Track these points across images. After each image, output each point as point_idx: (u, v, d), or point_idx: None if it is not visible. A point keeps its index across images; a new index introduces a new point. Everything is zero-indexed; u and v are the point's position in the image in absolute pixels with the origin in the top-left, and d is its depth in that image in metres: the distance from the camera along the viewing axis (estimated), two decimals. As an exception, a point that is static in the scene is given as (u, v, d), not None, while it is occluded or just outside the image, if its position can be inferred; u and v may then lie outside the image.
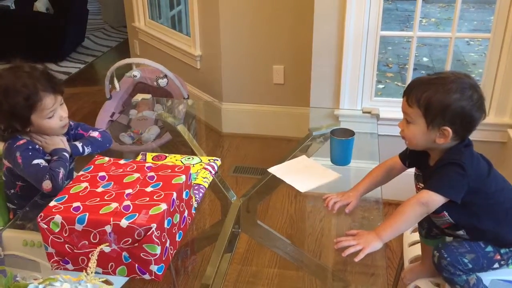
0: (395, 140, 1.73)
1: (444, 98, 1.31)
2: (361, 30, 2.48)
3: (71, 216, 1.15)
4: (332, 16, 2.49)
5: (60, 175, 1.53)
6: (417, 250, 1.72)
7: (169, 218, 1.21)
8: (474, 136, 1.39)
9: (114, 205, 1.18)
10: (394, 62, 5.33)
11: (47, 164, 1.56)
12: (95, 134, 1.76)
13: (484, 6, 7.07)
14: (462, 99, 1.31)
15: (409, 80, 2.62)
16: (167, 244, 1.20)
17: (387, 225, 1.36)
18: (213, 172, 1.72)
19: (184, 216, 1.33)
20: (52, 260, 1.21)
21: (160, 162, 1.68)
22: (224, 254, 1.48)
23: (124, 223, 1.13)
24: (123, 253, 1.16)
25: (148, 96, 2.47)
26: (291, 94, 3.25)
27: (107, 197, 1.22)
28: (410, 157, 1.53)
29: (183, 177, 1.30)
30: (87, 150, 1.69)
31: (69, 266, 1.20)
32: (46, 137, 1.61)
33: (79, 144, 1.68)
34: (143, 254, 1.15)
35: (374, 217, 1.55)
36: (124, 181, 1.29)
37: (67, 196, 1.23)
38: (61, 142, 1.63)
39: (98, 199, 1.21)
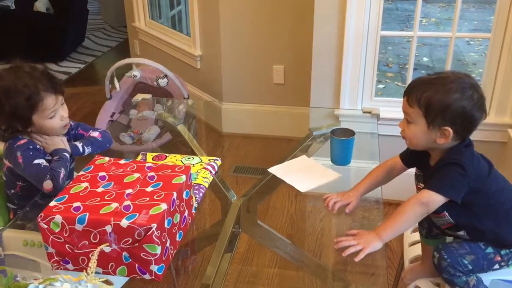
0: (395, 140, 1.73)
1: (444, 98, 1.31)
2: (361, 30, 2.48)
3: (71, 216, 1.15)
4: (332, 16, 2.49)
5: (61, 175, 1.53)
6: (417, 250, 1.72)
7: (169, 218, 1.21)
8: (474, 136, 1.39)
9: (114, 205, 1.18)
10: (394, 62, 5.33)
11: (48, 164, 1.56)
12: (95, 134, 1.76)
13: (484, 6, 7.07)
14: (463, 99, 1.31)
15: (409, 80, 2.62)
16: (167, 244, 1.20)
17: (387, 225, 1.36)
18: (213, 172, 1.72)
19: (184, 216, 1.33)
20: (52, 260, 1.21)
21: (160, 162, 1.68)
22: (224, 254, 1.48)
23: (124, 223, 1.13)
24: (124, 253, 1.16)
25: (148, 96, 2.47)
26: (291, 94, 3.25)
27: (107, 197, 1.22)
28: (411, 157, 1.53)
29: (183, 177, 1.30)
30: (88, 150, 1.69)
31: (70, 266, 1.20)
32: (46, 137, 1.61)
33: (79, 144, 1.69)
34: (143, 254, 1.15)
35: (374, 217, 1.55)
36: (124, 181, 1.29)
37: (67, 196, 1.23)
38: (62, 142, 1.63)
39: (99, 199, 1.21)
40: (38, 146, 1.60)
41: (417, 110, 1.35)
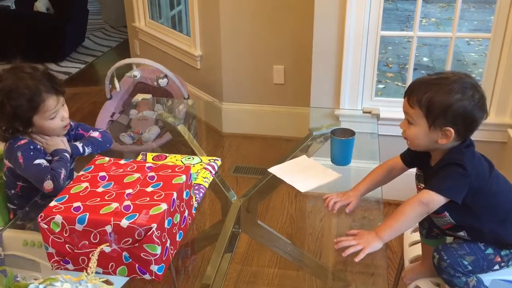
0: (395, 140, 1.73)
1: (445, 99, 1.31)
2: (361, 30, 2.48)
3: (71, 216, 1.15)
4: (332, 16, 2.49)
5: (62, 176, 1.53)
6: (417, 250, 1.72)
7: (170, 218, 1.21)
8: (474, 136, 1.39)
9: (114, 205, 1.18)
10: (394, 62, 5.33)
11: (48, 164, 1.56)
12: (95, 134, 1.76)
13: (484, 6, 7.07)
14: (464, 99, 1.31)
15: (409, 80, 2.62)
16: (168, 244, 1.20)
17: (387, 225, 1.36)
18: (214, 172, 1.72)
19: (185, 216, 1.33)
20: (52, 260, 1.21)
21: (160, 162, 1.68)
22: (224, 254, 1.48)
23: (124, 223, 1.13)
24: (124, 253, 1.16)
25: (149, 96, 2.47)
26: (291, 94, 3.26)
27: (107, 197, 1.22)
28: (412, 157, 1.53)
29: (184, 177, 1.30)
30: (88, 150, 1.69)
31: (70, 266, 1.20)
32: (47, 138, 1.61)
33: (79, 145, 1.69)
34: (143, 254, 1.15)
35: (375, 217, 1.55)
36: (125, 181, 1.29)
37: (67, 196, 1.23)
38: (62, 143, 1.63)
39: (99, 199, 1.21)
40: (38, 146, 1.60)
41: (418, 111, 1.35)
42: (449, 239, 1.57)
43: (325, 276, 1.54)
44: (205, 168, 1.71)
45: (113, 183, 1.28)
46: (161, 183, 1.27)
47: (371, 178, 1.58)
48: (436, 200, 1.33)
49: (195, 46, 3.54)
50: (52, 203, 1.20)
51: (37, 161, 1.54)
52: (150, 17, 4.28)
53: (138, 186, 1.26)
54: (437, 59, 5.27)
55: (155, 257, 1.15)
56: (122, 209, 1.17)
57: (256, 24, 3.18)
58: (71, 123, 1.72)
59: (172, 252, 1.25)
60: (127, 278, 1.23)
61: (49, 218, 1.16)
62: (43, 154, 1.59)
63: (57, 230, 1.16)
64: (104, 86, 3.28)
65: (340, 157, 1.74)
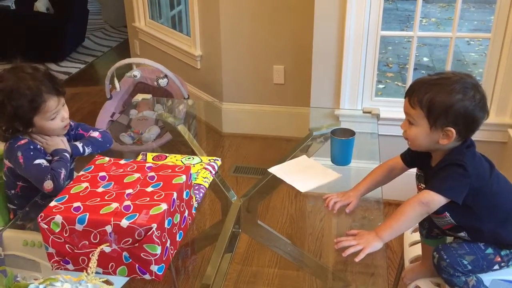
0: (395, 140, 1.74)
1: (446, 99, 1.31)
2: (361, 30, 2.48)
3: (71, 216, 1.15)
4: (332, 16, 2.49)
5: (62, 175, 1.53)
6: (417, 250, 1.72)
7: (170, 218, 1.21)
8: (474, 136, 1.39)
9: (114, 205, 1.18)
10: (394, 62, 5.33)
11: (48, 164, 1.56)
12: (95, 134, 1.76)
13: (484, 6, 7.07)
14: (465, 99, 1.31)
15: (409, 80, 2.62)
16: (168, 244, 1.20)
17: (388, 225, 1.36)
18: (214, 172, 1.72)
19: (185, 216, 1.33)
20: (52, 260, 1.21)
21: (160, 162, 1.68)
22: (224, 254, 1.48)
23: (124, 223, 1.13)
24: (124, 253, 1.16)
25: (149, 96, 2.47)
26: (291, 94, 3.26)
27: (107, 197, 1.22)
28: (412, 158, 1.53)
29: (184, 177, 1.30)
30: (88, 150, 1.69)
31: (70, 266, 1.20)
32: (47, 138, 1.61)
33: (79, 144, 1.69)
34: (143, 254, 1.15)
35: (375, 217, 1.55)
36: (125, 181, 1.29)
37: (67, 196, 1.23)
38: (62, 143, 1.63)
39: (99, 199, 1.21)
40: (38, 146, 1.60)
41: (419, 112, 1.35)
42: (449, 239, 1.57)
43: (325, 276, 1.54)
44: (205, 168, 1.70)
45: (113, 183, 1.28)
46: (161, 183, 1.27)
47: (371, 178, 1.58)
48: (437, 200, 1.33)
49: (195, 46, 3.54)
50: (52, 203, 1.20)
51: (37, 161, 1.54)
52: (150, 17, 4.28)
53: (138, 186, 1.26)
54: (437, 59, 5.27)
55: (155, 257, 1.15)
56: (122, 209, 1.17)
57: (256, 24, 3.18)
58: (71, 123, 1.72)
59: (172, 252, 1.25)
60: (127, 278, 1.23)
61: (49, 218, 1.16)
62: (43, 154, 1.59)
63: (57, 230, 1.16)
64: (104, 86, 3.28)
65: (340, 157, 1.74)
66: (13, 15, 5.54)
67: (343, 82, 2.58)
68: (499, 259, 1.45)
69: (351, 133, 1.73)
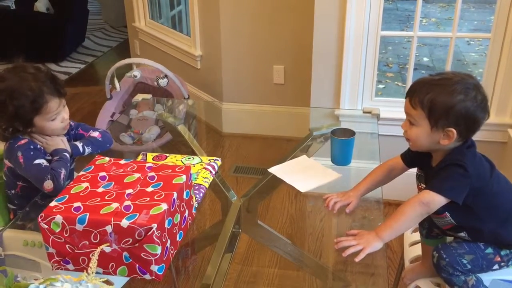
0: (395, 140, 1.74)
1: (448, 100, 1.31)
2: (361, 30, 2.48)
3: (71, 216, 1.15)
4: (332, 16, 2.49)
5: (62, 175, 1.53)
6: (417, 250, 1.72)
7: (170, 218, 1.21)
8: (474, 136, 1.39)
9: (114, 205, 1.18)
10: (394, 62, 5.33)
11: (48, 164, 1.56)
12: (95, 134, 1.76)
13: (484, 6, 7.07)
14: (466, 100, 1.30)
15: (409, 80, 2.62)
16: (168, 244, 1.20)
17: (388, 225, 1.36)
18: (214, 172, 1.72)
19: (185, 216, 1.33)
20: (52, 260, 1.21)
21: (160, 162, 1.68)
22: (224, 254, 1.48)
23: (124, 223, 1.13)
24: (124, 253, 1.16)
25: (149, 96, 2.48)
26: (291, 94, 3.26)
27: (107, 197, 1.22)
28: (412, 158, 1.53)
29: (184, 177, 1.30)
30: (88, 150, 1.69)
31: (70, 266, 1.20)
32: (47, 138, 1.61)
33: (79, 144, 1.69)
34: (143, 254, 1.15)
35: (375, 217, 1.55)
36: (125, 181, 1.29)
37: (67, 196, 1.23)
38: (62, 143, 1.63)
39: (99, 199, 1.21)
40: (38, 146, 1.60)
41: (420, 112, 1.34)
42: (449, 239, 1.57)
43: (325, 276, 1.54)
44: (205, 168, 1.71)
45: (113, 183, 1.28)
46: (161, 183, 1.27)
47: (371, 178, 1.58)
48: (437, 200, 1.33)
49: (195, 46, 3.54)
50: (52, 203, 1.20)
51: (37, 161, 1.55)
52: (150, 17, 4.28)
53: (138, 186, 1.26)
54: (437, 59, 5.27)
55: (155, 257, 1.15)
56: (123, 209, 1.17)
57: (256, 24, 3.18)
58: (71, 123, 1.72)
59: (172, 252, 1.25)
60: (127, 278, 1.23)
61: (49, 218, 1.16)
62: (43, 154, 1.59)
63: (58, 230, 1.16)
64: (104, 86, 3.28)
65: (340, 157, 1.74)
66: (13, 15, 5.54)
67: (343, 82, 2.58)
68: (499, 259, 1.45)
69: (351, 133, 1.73)
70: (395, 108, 2.51)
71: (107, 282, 0.97)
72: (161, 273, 1.18)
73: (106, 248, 1.15)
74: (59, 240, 1.18)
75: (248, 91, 3.36)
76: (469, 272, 1.43)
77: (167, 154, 1.79)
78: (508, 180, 1.48)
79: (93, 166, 1.36)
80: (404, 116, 1.43)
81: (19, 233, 1.44)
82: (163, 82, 3.13)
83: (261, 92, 3.34)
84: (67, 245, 1.17)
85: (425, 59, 5.32)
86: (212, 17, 3.28)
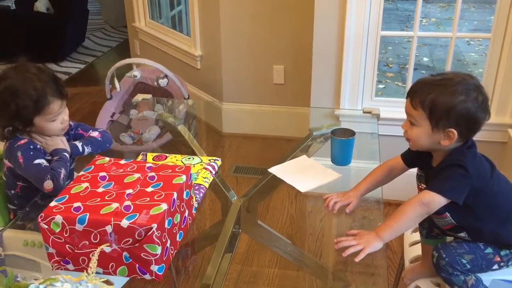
0: (395, 140, 1.74)
1: (449, 100, 1.30)
2: (362, 30, 2.48)
3: (71, 216, 1.15)
4: (332, 16, 2.49)
5: (62, 175, 1.53)
6: (417, 250, 1.72)
7: (170, 218, 1.21)
8: (474, 136, 1.39)
9: (114, 205, 1.18)
10: (394, 62, 5.33)
11: (48, 164, 1.56)
12: (95, 134, 1.76)
13: (484, 6, 7.07)
14: (468, 100, 1.30)
15: (409, 80, 2.62)
16: (168, 244, 1.20)
17: (388, 225, 1.36)
18: (214, 172, 1.72)
19: (185, 216, 1.33)
20: (52, 260, 1.21)
21: (160, 162, 1.68)
22: (224, 254, 1.48)
23: (124, 223, 1.13)
24: (124, 253, 1.16)
25: (149, 96, 2.48)
26: (291, 94, 3.26)
27: (107, 197, 1.22)
28: (413, 158, 1.53)
29: (184, 177, 1.30)
30: (87, 150, 1.69)
31: (70, 266, 1.20)
32: (46, 138, 1.61)
33: (79, 144, 1.69)
34: (143, 254, 1.15)
35: (375, 217, 1.55)
36: (125, 181, 1.29)
37: (67, 196, 1.23)
38: (61, 142, 1.63)
39: (99, 199, 1.21)
40: (38, 146, 1.60)
41: (421, 113, 1.34)
42: (449, 239, 1.57)
43: (325, 276, 1.54)
44: (205, 168, 1.71)
45: (113, 183, 1.28)
46: (161, 183, 1.27)
47: (371, 178, 1.58)
48: (437, 201, 1.33)
49: (195, 46, 3.54)
50: (52, 203, 1.20)
51: (37, 161, 1.54)
52: (150, 17, 4.28)
53: (138, 186, 1.26)
54: (437, 59, 5.27)
55: (155, 257, 1.15)
56: (123, 209, 1.17)
57: (256, 24, 3.18)
58: (71, 123, 1.72)
59: (172, 252, 1.25)
60: (127, 278, 1.23)
61: (49, 218, 1.16)
62: (43, 154, 1.59)
63: (58, 230, 1.16)
64: (104, 86, 3.28)
65: (340, 157, 1.74)
66: (13, 15, 5.54)
67: (343, 82, 2.58)
68: (499, 259, 1.45)
69: (351, 133, 1.73)
70: (395, 108, 2.51)
71: (107, 282, 0.97)
72: (161, 273, 1.18)
73: (106, 248, 1.15)
74: (59, 240, 1.18)
75: (248, 91, 3.36)
76: (468, 272, 1.43)
77: (167, 154, 1.79)
78: (509, 180, 1.48)
79: (93, 166, 1.36)
80: (404, 116, 1.43)
81: (19, 233, 1.44)
82: (163, 82, 3.14)
83: (261, 92, 3.34)
84: (67, 245, 1.17)
85: (425, 59, 5.32)
86: (212, 17, 3.28)
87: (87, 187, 1.26)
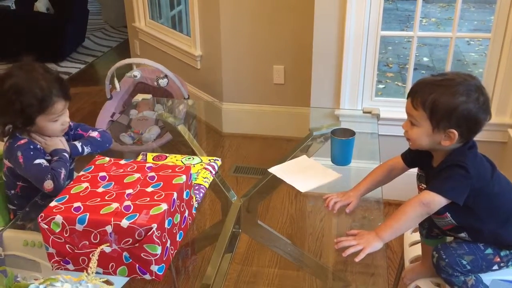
0: (395, 140, 1.74)
1: (450, 101, 1.30)
2: (361, 30, 2.48)
3: (71, 216, 1.15)
4: (332, 16, 2.49)
5: (62, 175, 1.53)
6: (417, 250, 1.72)
7: (170, 218, 1.21)
8: (475, 136, 1.39)
9: (114, 205, 1.18)
10: (394, 62, 5.33)
11: (48, 164, 1.56)
12: (94, 134, 1.76)
13: (484, 6, 7.07)
14: (469, 101, 1.30)
15: (409, 80, 2.62)
16: (168, 244, 1.20)
17: (388, 225, 1.36)
18: (214, 172, 1.72)
19: (185, 216, 1.33)
20: (52, 260, 1.21)
21: (160, 162, 1.68)
22: (224, 254, 1.48)
23: (124, 223, 1.13)
24: (124, 253, 1.16)
25: (149, 96, 2.48)
26: (291, 94, 3.25)
27: (107, 197, 1.22)
28: (413, 158, 1.53)
29: (184, 177, 1.30)
30: (87, 150, 1.69)
31: (70, 266, 1.20)
32: (46, 138, 1.62)
33: (78, 144, 1.69)
34: (143, 254, 1.15)
35: (375, 217, 1.55)
36: (125, 181, 1.29)
37: (67, 196, 1.23)
38: (61, 143, 1.63)
39: (99, 199, 1.21)
40: (38, 146, 1.60)
41: (422, 113, 1.34)
42: (449, 239, 1.57)
43: (325, 276, 1.54)
44: (205, 168, 1.71)
45: (113, 183, 1.28)
46: (161, 183, 1.27)
47: (372, 178, 1.58)
48: (437, 201, 1.33)
49: (195, 46, 3.54)
50: (52, 203, 1.20)
51: (37, 161, 1.55)
52: (150, 17, 4.28)
53: (138, 186, 1.26)
54: (437, 59, 5.27)
55: (155, 257, 1.15)
56: (123, 209, 1.17)
57: (256, 24, 3.18)
58: (71, 123, 1.72)
59: (172, 252, 1.25)
60: (127, 278, 1.23)
61: (49, 218, 1.16)
62: (43, 154, 1.59)
63: (58, 230, 1.16)
64: (104, 86, 3.28)
65: (340, 157, 1.74)
66: (13, 15, 5.54)
67: (343, 82, 2.58)
68: (499, 259, 1.45)
69: (351, 133, 1.73)
70: (395, 108, 2.51)
71: (107, 282, 0.97)
72: (161, 273, 1.18)
73: (106, 248, 1.15)
74: (59, 240, 1.18)
75: (248, 91, 3.36)
76: (468, 272, 1.43)
77: (167, 154, 1.79)
78: (509, 180, 1.48)
79: (93, 166, 1.36)
80: (404, 116, 1.43)
81: (19, 233, 1.44)
82: (163, 82, 3.13)
83: (261, 92, 3.34)
84: (67, 245, 1.17)
85: (425, 59, 5.32)
86: (212, 17, 3.28)
87: (87, 187, 1.26)
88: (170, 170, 1.33)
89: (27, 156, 1.55)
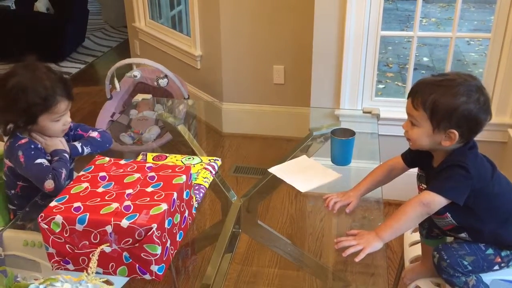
0: (395, 140, 1.74)
1: (451, 102, 1.30)
2: (361, 30, 2.48)
3: (71, 216, 1.15)
4: (332, 16, 2.49)
5: (63, 175, 1.53)
6: (417, 250, 1.72)
7: (170, 218, 1.21)
8: (475, 136, 1.39)
9: (114, 205, 1.18)
10: (394, 62, 5.33)
11: (49, 164, 1.56)
12: (94, 134, 1.76)
13: (484, 6, 7.07)
14: (469, 102, 1.30)
15: (409, 80, 2.62)
16: (168, 244, 1.20)
17: (388, 225, 1.36)
18: (214, 172, 1.72)
19: (185, 216, 1.33)
20: (52, 260, 1.21)
21: (160, 162, 1.68)
22: (224, 254, 1.48)
23: (124, 223, 1.13)
24: (124, 253, 1.16)
25: (149, 96, 2.48)
26: (291, 94, 3.26)
27: (107, 197, 1.22)
28: (413, 158, 1.52)
29: (184, 177, 1.30)
30: (86, 150, 1.69)
31: (70, 266, 1.20)
32: (46, 138, 1.62)
33: (78, 145, 1.69)
34: (143, 254, 1.15)
35: (375, 217, 1.55)
36: (125, 181, 1.29)
37: (67, 196, 1.23)
38: (60, 143, 1.63)
39: (99, 199, 1.21)
40: (39, 146, 1.60)
41: (422, 113, 1.34)
42: (449, 239, 1.57)
43: (325, 276, 1.54)
44: (205, 168, 1.71)
45: (113, 183, 1.28)
46: (161, 183, 1.27)
47: (372, 178, 1.58)
48: (438, 201, 1.33)
49: (195, 46, 3.54)
50: (52, 203, 1.20)
51: (38, 161, 1.55)
52: (150, 17, 4.28)
53: (138, 186, 1.26)
54: (437, 59, 5.27)
55: (155, 257, 1.15)
56: (123, 209, 1.17)
57: (256, 24, 3.18)
58: (71, 123, 1.72)
59: (172, 252, 1.25)
60: (127, 278, 1.23)
61: (49, 218, 1.16)
62: (43, 154, 1.59)
63: (58, 230, 1.16)
64: (104, 86, 3.28)
65: (340, 157, 1.74)
66: (13, 15, 5.54)
67: (343, 82, 2.58)
68: (499, 259, 1.45)
69: (351, 133, 1.73)
70: (395, 108, 2.51)
71: (107, 282, 0.97)
72: (161, 273, 1.18)
73: (106, 248, 1.15)
74: (59, 240, 1.18)
75: (248, 91, 3.36)
76: (469, 273, 1.43)
77: (167, 154, 1.79)
78: (509, 181, 1.48)
79: (93, 166, 1.36)
80: (404, 116, 1.43)
81: (19, 233, 1.44)
82: (163, 82, 3.13)
83: (261, 92, 3.34)
84: (67, 245, 1.17)
85: (425, 59, 5.32)
86: (212, 17, 3.28)
87: (87, 187, 1.26)
88: (170, 170, 1.33)
89: (28, 156, 1.55)
